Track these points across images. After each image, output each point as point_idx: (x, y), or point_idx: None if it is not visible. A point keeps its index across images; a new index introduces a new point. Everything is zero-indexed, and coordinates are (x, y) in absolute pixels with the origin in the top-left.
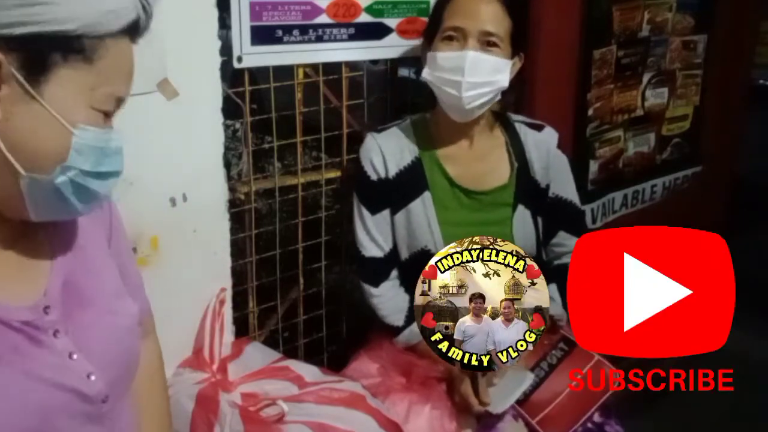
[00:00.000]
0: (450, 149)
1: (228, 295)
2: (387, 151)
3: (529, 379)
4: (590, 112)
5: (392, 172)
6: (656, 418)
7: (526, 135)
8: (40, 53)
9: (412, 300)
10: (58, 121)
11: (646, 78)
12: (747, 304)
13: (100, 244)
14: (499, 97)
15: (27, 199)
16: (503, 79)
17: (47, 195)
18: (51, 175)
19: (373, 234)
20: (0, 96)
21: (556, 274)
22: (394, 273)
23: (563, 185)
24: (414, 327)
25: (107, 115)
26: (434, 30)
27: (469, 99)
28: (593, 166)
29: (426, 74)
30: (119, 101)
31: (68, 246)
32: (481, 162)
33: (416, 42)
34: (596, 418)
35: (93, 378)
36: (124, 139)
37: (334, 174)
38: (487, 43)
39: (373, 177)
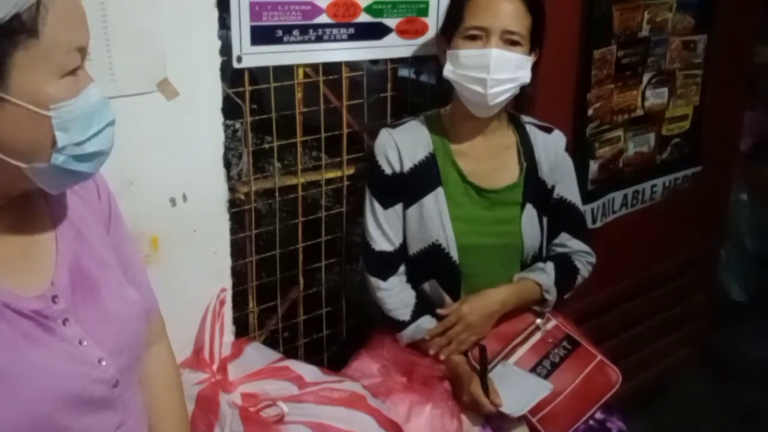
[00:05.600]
0: (464, 146)
1: (228, 295)
2: (402, 146)
3: (548, 388)
4: (590, 112)
5: (407, 166)
6: (656, 418)
7: (536, 136)
8: None
9: (418, 295)
10: (33, 111)
11: (646, 78)
12: (747, 304)
13: (99, 232)
14: (518, 92)
15: (38, 182)
16: (525, 75)
17: (54, 174)
18: (49, 161)
19: (385, 228)
20: None
21: (554, 257)
22: (402, 268)
23: (568, 187)
24: (420, 322)
25: (77, 70)
26: (453, 27)
27: (493, 95)
28: (593, 166)
29: (448, 72)
30: (82, 50)
31: (71, 233)
32: (493, 160)
33: (416, 42)
34: (598, 414)
35: (104, 363)
36: (101, 87)
37: (334, 174)
38: (509, 41)
39: (388, 171)
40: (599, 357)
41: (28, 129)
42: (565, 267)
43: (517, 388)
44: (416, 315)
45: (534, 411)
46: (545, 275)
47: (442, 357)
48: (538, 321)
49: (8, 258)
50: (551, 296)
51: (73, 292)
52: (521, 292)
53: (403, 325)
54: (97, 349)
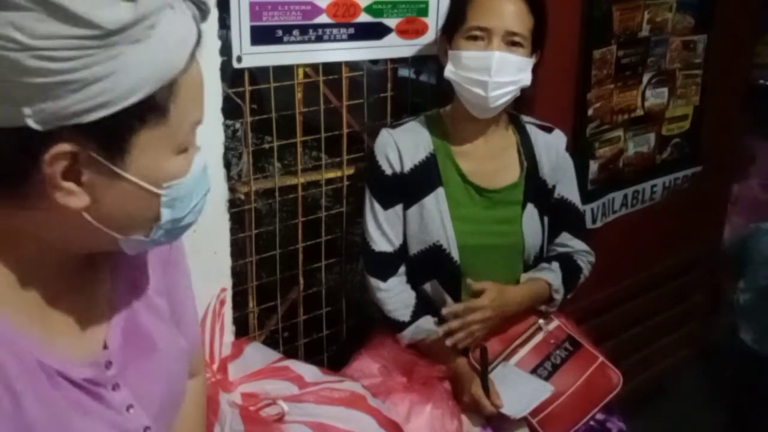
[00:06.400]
0: (464, 146)
1: (228, 295)
2: (402, 146)
3: (549, 390)
4: (590, 112)
5: (407, 167)
6: (656, 418)
7: (537, 136)
8: (117, 131)
9: (418, 296)
10: (145, 189)
11: (646, 78)
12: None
13: (156, 280)
14: (519, 94)
15: (124, 248)
16: (526, 78)
17: (144, 244)
18: (149, 236)
19: (385, 229)
20: (84, 182)
21: (558, 257)
22: (402, 269)
23: (568, 187)
24: (420, 323)
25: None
26: (455, 27)
27: (494, 98)
28: (593, 166)
29: (449, 72)
30: (198, 123)
31: (126, 288)
32: (493, 160)
33: (416, 42)
34: (598, 415)
35: None
36: (202, 155)
37: (334, 174)
38: (511, 42)
39: (388, 172)
40: (600, 359)
41: (136, 205)
42: (569, 266)
43: (518, 390)
44: (416, 316)
45: (534, 412)
46: (554, 274)
47: (448, 342)
48: (540, 321)
49: (64, 318)
50: (560, 295)
51: (125, 352)
52: (535, 293)
53: (403, 325)
54: (144, 415)
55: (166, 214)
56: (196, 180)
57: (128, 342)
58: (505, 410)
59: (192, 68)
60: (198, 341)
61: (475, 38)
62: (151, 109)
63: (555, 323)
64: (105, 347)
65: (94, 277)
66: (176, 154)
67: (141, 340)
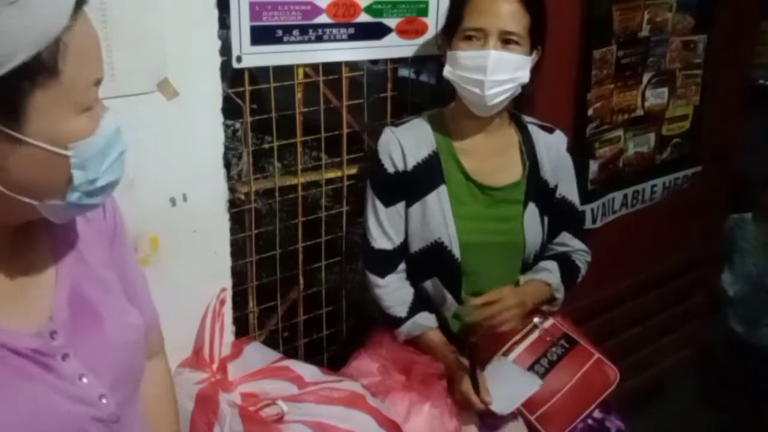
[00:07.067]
0: (466, 144)
1: (228, 295)
2: (405, 144)
3: (538, 384)
4: (590, 112)
5: (410, 165)
6: (655, 418)
7: (538, 136)
8: (9, 94)
9: (416, 293)
10: (51, 151)
11: (646, 78)
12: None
13: (102, 253)
14: (519, 91)
15: (46, 215)
16: (524, 75)
17: (65, 209)
18: (64, 199)
19: (385, 226)
20: None
21: (555, 256)
22: (402, 266)
23: (569, 187)
24: (416, 318)
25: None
26: (453, 28)
27: (491, 96)
28: (593, 166)
29: (447, 72)
30: (99, 82)
31: (71, 257)
32: (495, 158)
33: (416, 42)
34: (596, 413)
35: (104, 401)
36: (114, 116)
37: (334, 174)
38: (507, 41)
39: (391, 170)
40: (597, 355)
41: (45, 169)
42: (568, 267)
43: (508, 386)
44: (413, 312)
45: (532, 409)
46: (552, 275)
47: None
48: (536, 320)
49: (5, 291)
50: (561, 294)
51: (72, 324)
52: (535, 294)
53: (399, 321)
54: (98, 384)
55: (78, 176)
56: (107, 139)
57: (75, 313)
58: (493, 407)
59: (78, 27)
60: (154, 318)
61: (471, 38)
62: (39, 69)
63: (550, 321)
64: (51, 319)
65: (32, 251)
66: (78, 113)
67: (88, 311)
